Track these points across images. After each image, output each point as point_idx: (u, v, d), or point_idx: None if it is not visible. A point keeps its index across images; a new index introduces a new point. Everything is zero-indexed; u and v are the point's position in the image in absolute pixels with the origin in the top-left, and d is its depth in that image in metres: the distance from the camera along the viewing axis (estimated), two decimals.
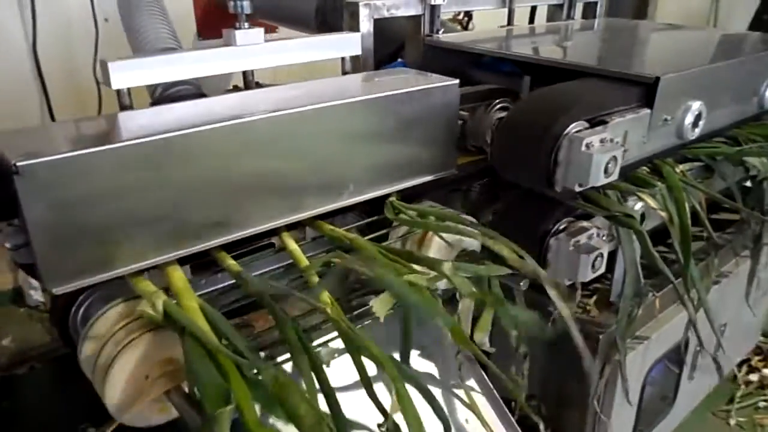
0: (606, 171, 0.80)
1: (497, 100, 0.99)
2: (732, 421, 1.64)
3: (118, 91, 0.78)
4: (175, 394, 0.62)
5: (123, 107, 0.78)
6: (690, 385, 1.30)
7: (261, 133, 0.71)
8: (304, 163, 0.77)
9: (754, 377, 1.76)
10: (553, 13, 1.61)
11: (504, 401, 0.94)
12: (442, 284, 0.80)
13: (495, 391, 0.93)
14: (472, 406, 0.92)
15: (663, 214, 0.95)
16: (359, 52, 0.97)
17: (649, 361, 1.10)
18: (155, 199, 0.65)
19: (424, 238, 0.86)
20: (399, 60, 1.36)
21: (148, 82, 0.78)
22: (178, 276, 0.69)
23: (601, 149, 0.80)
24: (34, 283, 2.17)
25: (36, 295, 2.17)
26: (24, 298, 2.14)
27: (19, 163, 0.56)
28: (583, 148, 0.79)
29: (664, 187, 0.97)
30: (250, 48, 0.85)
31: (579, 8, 1.61)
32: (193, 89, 0.88)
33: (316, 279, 0.73)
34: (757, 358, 1.80)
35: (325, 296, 0.70)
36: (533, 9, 1.63)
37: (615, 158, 0.80)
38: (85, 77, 1.87)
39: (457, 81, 0.89)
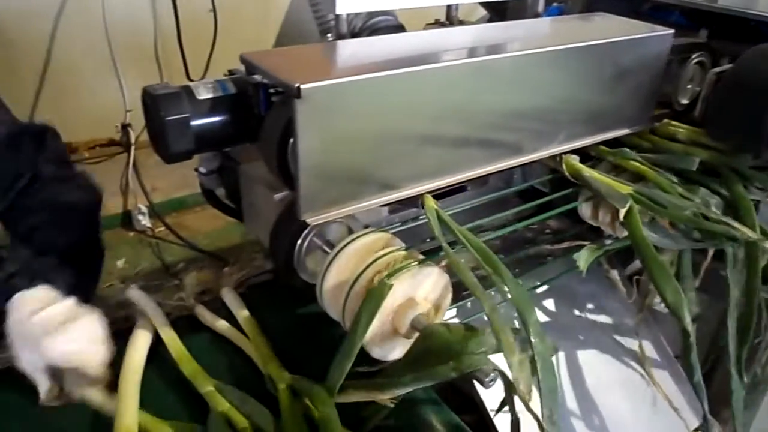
0: None
1: (695, 54, 0.94)
2: None
3: (338, 17, 0.76)
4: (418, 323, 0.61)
5: (340, 35, 0.76)
6: None
7: (507, 71, 0.68)
8: (531, 105, 0.74)
9: None
10: None
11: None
12: None
13: (669, 350, 0.92)
14: (642, 361, 0.91)
15: None
16: None
17: None
18: (409, 130, 0.64)
19: None
20: (554, 5, 1.30)
21: (373, 8, 0.75)
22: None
23: None
24: (143, 208, 2.23)
25: (144, 220, 2.22)
26: (132, 222, 2.20)
27: (303, 86, 0.55)
28: None
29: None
30: None
31: None
32: (394, 20, 0.86)
33: None
34: None
35: None
36: None
37: None
38: None
39: (672, 31, 0.84)
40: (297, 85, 0.55)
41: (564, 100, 0.78)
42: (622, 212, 0.74)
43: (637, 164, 0.84)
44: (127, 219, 2.18)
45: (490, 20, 1.41)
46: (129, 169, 2.09)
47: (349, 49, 0.69)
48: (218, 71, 0.70)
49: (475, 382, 0.71)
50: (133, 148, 2.07)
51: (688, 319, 0.68)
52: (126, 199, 2.18)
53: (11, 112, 0.94)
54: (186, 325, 0.77)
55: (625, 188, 0.78)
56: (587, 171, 0.82)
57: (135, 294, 0.78)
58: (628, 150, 0.85)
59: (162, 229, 2.15)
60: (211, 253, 2.04)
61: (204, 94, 0.65)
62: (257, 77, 0.66)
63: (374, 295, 0.59)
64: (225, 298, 0.80)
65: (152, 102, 0.63)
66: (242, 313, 0.77)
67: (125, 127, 2.06)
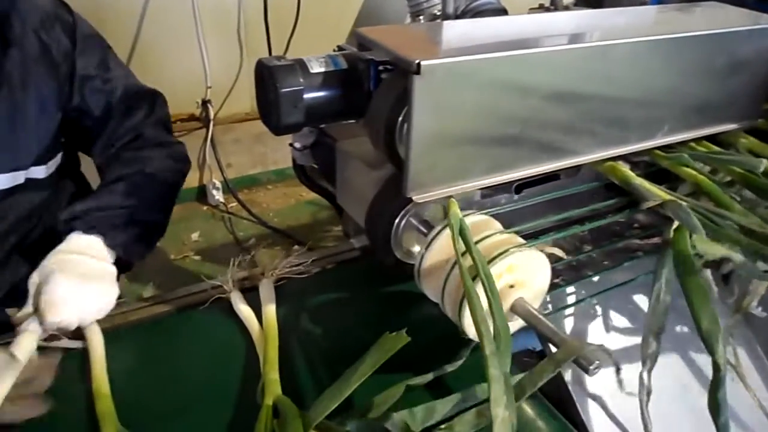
0: None
1: None
2: None
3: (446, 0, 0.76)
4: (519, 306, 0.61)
5: (446, 16, 0.76)
6: None
7: (621, 58, 0.67)
8: (639, 94, 0.72)
9: None
10: None
11: None
12: None
13: (763, 355, 0.89)
14: (736, 367, 0.88)
15: None
16: None
17: None
18: (515, 113, 0.64)
19: None
20: None
21: None
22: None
23: None
24: (217, 183, 2.30)
25: (217, 195, 2.29)
26: (207, 196, 2.28)
27: (423, 63, 0.55)
28: None
29: None
30: None
31: None
32: (497, 3, 0.85)
33: None
34: None
35: None
36: None
37: None
38: None
39: None
40: (417, 61, 0.55)
41: (673, 91, 0.75)
42: (674, 225, 0.71)
43: (695, 173, 0.78)
44: (201, 193, 2.26)
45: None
46: (207, 145, 2.15)
47: (461, 30, 0.69)
48: (298, 53, 0.70)
49: (566, 378, 0.72)
50: (212, 123, 2.14)
51: (721, 351, 0.63)
52: (202, 173, 2.25)
53: (130, 72, 0.99)
54: (223, 308, 0.76)
55: (681, 202, 0.73)
56: (637, 179, 0.77)
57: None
58: (686, 155, 0.80)
59: (234, 204, 2.22)
60: (281, 230, 2.09)
61: (316, 68, 0.66)
62: (368, 53, 0.66)
63: (386, 343, 0.58)
64: (261, 289, 0.77)
65: (268, 73, 0.64)
66: (268, 310, 0.73)
67: (205, 103, 2.12)
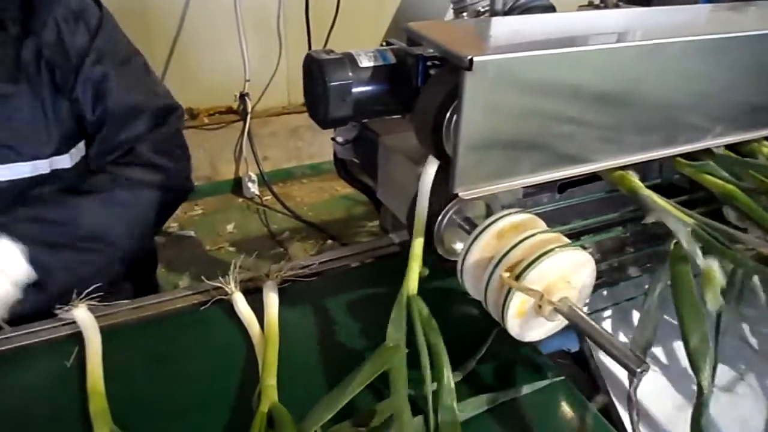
0: None
1: None
2: None
3: None
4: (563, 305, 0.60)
5: (494, 12, 0.75)
6: None
7: (676, 56, 0.66)
8: (691, 94, 0.71)
9: None
10: None
11: None
12: None
13: None
14: None
15: None
16: None
17: None
18: (565, 111, 0.63)
19: None
20: None
21: None
22: None
23: None
24: (253, 176, 2.32)
25: (253, 188, 2.32)
26: (242, 188, 2.31)
27: (476, 58, 0.55)
28: None
29: None
30: None
31: None
32: (545, 1, 0.84)
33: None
34: None
35: None
36: None
37: None
38: None
39: None
40: (469, 57, 0.54)
41: (728, 92, 0.74)
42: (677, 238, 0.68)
43: (722, 182, 0.75)
44: (237, 185, 2.28)
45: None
46: (243, 137, 2.18)
47: (511, 26, 0.68)
48: (337, 47, 0.69)
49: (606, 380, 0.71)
50: (249, 117, 2.16)
51: (707, 373, 0.58)
52: (238, 166, 2.28)
53: (152, 86, 0.95)
54: (225, 309, 0.73)
55: (688, 219, 0.70)
56: (645, 191, 0.74)
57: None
58: (713, 163, 0.76)
59: (269, 197, 2.24)
60: (315, 224, 2.11)
61: (365, 62, 0.66)
62: (416, 49, 0.66)
63: (382, 355, 0.57)
64: (264, 292, 0.74)
65: (317, 66, 0.65)
66: (270, 313, 0.70)
67: (243, 97, 2.14)
